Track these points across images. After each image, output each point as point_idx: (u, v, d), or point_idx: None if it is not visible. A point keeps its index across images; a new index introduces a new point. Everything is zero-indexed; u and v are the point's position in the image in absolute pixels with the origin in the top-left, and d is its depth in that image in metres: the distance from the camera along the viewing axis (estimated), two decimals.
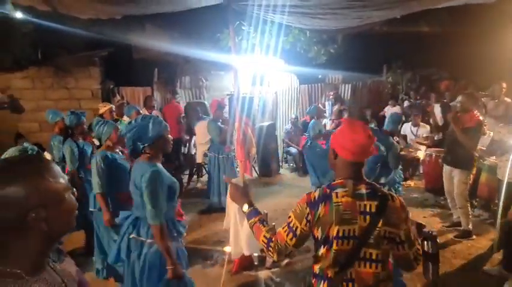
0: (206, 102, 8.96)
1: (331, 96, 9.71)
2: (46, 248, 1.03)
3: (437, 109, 8.10)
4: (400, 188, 4.67)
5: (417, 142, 7.14)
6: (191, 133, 7.64)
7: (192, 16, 5.87)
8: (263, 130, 8.08)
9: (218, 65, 8.75)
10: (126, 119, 6.05)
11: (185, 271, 2.66)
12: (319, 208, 1.67)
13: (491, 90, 6.55)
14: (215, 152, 5.93)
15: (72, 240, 4.39)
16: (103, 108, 5.92)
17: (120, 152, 3.73)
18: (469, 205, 4.72)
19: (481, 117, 4.58)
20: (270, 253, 1.78)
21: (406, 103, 10.33)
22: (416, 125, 7.42)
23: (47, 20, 6.30)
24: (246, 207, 1.94)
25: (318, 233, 1.69)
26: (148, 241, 2.55)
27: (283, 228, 1.77)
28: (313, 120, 6.86)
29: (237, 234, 3.85)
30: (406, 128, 7.66)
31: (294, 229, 1.72)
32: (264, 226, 1.82)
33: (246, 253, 3.87)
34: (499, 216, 4.12)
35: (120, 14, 4.03)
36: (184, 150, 8.02)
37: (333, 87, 10.55)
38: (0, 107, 7.42)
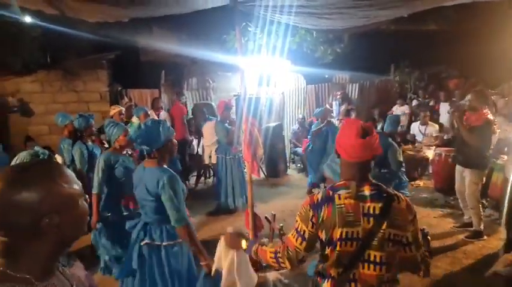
0: (213, 104, 8.98)
1: (338, 96, 9.66)
2: (57, 254, 1.03)
3: (446, 108, 8.02)
4: (406, 189, 4.62)
5: (426, 145, 7.07)
6: (199, 134, 7.66)
7: (199, 18, 5.89)
8: (270, 131, 8.07)
9: (225, 66, 8.77)
10: (134, 120, 6.10)
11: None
12: (322, 210, 1.66)
13: (500, 88, 6.48)
14: (222, 153, 5.94)
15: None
16: (113, 110, 5.98)
17: (128, 155, 3.76)
18: (480, 205, 4.65)
19: (490, 116, 4.49)
20: (282, 264, 1.77)
21: (414, 102, 10.25)
22: (424, 124, 7.36)
23: (55, 23, 6.37)
24: (244, 243, 2.00)
25: (322, 235, 1.68)
26: (164, 244, 2.56)
27: (291, 234, 1.77)
28: (316, 122, 6.83)
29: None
30: (415, 127, 7.61)
31: (302, 232, 1.72)
32: (266, 246, 1.86)
33: None
34: (504, 216, 4.06)
35: (128, 17, 4.05)
36: (188, 151, 8.03)
37: (340, 87, 10.49)
38: (11, 111, 7.52)
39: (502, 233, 4.63)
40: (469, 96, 4.61)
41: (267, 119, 8.54)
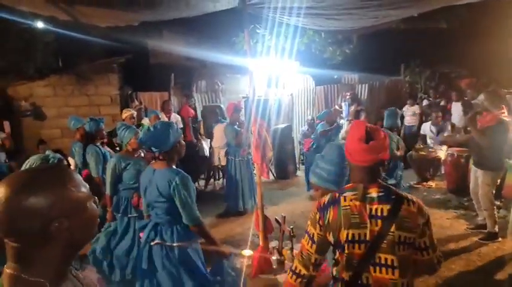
0: (222, 106, 9.01)
1: (347, 97, 9.61)
2: (69, 257, 1.04)
3: (457, 107, 7.92)
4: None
5: (441, 143, 6.99)
6: (209, 137, 7.69)
7: (208, 21, 5.92)
8: (279, 132, 8.06)
9: (234, 69, 8.80)
10: (145, 121, 6.15)
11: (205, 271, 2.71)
12: (328, 212, 1.67)
13: None
14: (232, 155, 5.95)
15: None
16: (124, 114, 6.07)
17: (141, 157, 3.80)
18: (495, 207, 4.57)
19: (504, 116, 4.40)
20: (301, 271, 1.77)
21: (425, 102, 10.15)
22: (436, 124, 7.27)
23: (67, 29, 6.48)
24: None
25: (330, 237, 1.68)
26: (175, 244, 2.59)
27: (304, 238, 1.78)
28: (321, 123, 6.80)
29: None
30: (426, 128, 7.52)
31: (312, 235, 1.73)
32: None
33: None
34: (511, 218, 3.99)
35: (138, 21, 4.11)
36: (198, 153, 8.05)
37: (349, 87, 10.44)
38: (24, 115, 7.65)
39: None
40: (481, 96, 4.53)
41: (275, 120, 8.53)
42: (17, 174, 1.02)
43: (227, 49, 8.84)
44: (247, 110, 5.48)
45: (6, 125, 6.97)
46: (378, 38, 10.19)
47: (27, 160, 2.64)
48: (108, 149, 4.81)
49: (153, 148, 2.59)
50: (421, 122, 8.59)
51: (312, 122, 8.63)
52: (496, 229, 4.55)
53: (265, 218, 4.14)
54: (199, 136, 8.03)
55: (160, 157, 2.60)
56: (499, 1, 4.20)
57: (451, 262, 4.02)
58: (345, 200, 1.65)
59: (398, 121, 5.06)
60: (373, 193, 1.65)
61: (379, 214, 1.61)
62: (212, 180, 7.78)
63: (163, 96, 8.49)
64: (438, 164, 7.09)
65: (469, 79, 10.31)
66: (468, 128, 4.81)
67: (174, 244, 2.58)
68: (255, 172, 5.47)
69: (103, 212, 3.74)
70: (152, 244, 2.64)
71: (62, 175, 1.01)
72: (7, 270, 0.96)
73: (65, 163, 3.08)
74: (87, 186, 1.06)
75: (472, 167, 4.77)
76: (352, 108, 9.09)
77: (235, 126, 5.90)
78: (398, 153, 4.90)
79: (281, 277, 3.97)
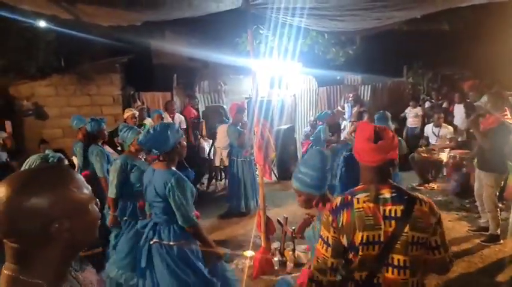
0: (225, 107, 9.00)
1: (350, 98, 9.57)
2: (69, 258, 1.03)
3: (460, 109, 7.89)
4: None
5: (441, 148, 6.96)
6: (212, 137, 7.67)
7: (211, 21, 5.91)
8: (282, 133, 8.04)
9: (237, 69, 8.79)
10: (147, 121, 6.15)
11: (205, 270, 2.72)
12: (341, 214, 1.65)
13: None
14: (234, 156, 5.94)
15: None
16: (126, 114, 6.07)
17: (144, 159, 3.78)
18: (498, 209, 4.55)
19: (505, 118, 4.37)
20: (319, 278, 1.73)
21: (427, 104, 10.11)
22: (438, 125, 7.24)
23: (69, 28, 6.48)
24: None
25: (344, 240, 1.66)
26: (171, 243, 2.61)
27: (319, 243, 1.75)
28: (322, 126, 6.74)
29: None
30: (428, 129, 7.49)
31: (326, 239, 1.71)
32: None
33: None
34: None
35: (140, 21, 4.09)
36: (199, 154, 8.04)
37: (352, 88, 10.41)
38: (26, 114, 7.65)
39: None
40: (484, 98, 4.51)
41: (278, 121, 8.51)
42: (17, 174, 1.00)
43: (230, 50, 8.83)
44: (250, 111, 5.46)
45: (8, 124, 6.98)
46: (381, 40, 10.15)
47: (27, 160, 2.64)
48: (109, 149, 4.81)
49: (154, 150, 2.62)
50: (423, 124, 8.56)
51: (314, 123, 8.60)
52: (498, 231, 4.53)
53: (268, 219, 4.12)
54: (199, 137, 8.01)
55: (161, 158, 2.63)
56: (502, 3, 4.17)
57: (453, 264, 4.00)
58: (358, 202, 1.64)
59: (390, 123, 5.06)
60: (386, 193, 1.64)
61: (392, 214, 1.61)
62: (214, 181, 7.77)
63: (166, 97, 8.49)
64: (440, 166, 7.07)
65: (471, 81, 10.26)
66: (471, 130, 4.78)
67: (171, 243, 2.62)
68: (257, 172, 5.46)
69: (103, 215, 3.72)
70: (151, 242, 2.67)
71: (64, 176, 1.00)
72: (5, 271, 0.95)
73: (66, 162, 3.06)
74: (89, 187, 1.05)
75: (477, 170, 4.75)
76: (355, 109, 9.05)
77: (238, 127, 5.89)
78: None
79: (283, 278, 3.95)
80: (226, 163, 6.38)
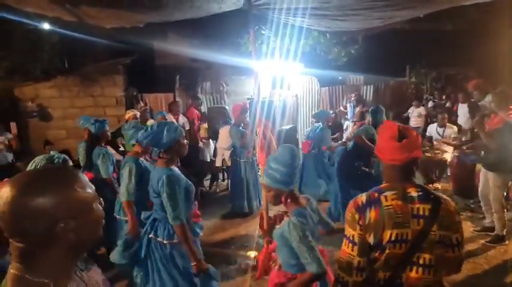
0: (227, 107, 9.00)
1: (352, 98, 9.56)
2: (74, 258, 1.04)
3: (464, 109, 7.85)
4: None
5: (444, 142, 6.93)
6: (214, 138, 7.66)
7: (213, 22, 5.93)
8: (284, 133, 8.03)
9: (239, 70, 8.80)
10: (150, 122, 6.15)
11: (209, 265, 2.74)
12: (369, 212, 1.63)
13: None
14: (237, 157, 5.94)
15: None
16: (127, 114, 6.09)
17: (146, 160, 3.78)
18: (505, 209, 4.51)
19: (510, 118, 4.35)
20: (344, 278, 1.67)
21: (430, 103, 10.08)
22: (442, 125, 7.21)
23: (72, 30, 6.52)
24: None
25: (370, 238, 1.63)
26: (165, 241, 2.66)
27: (344, 243, 1.71)
28: (323, 127, 6.70)
29: None
30: (432, 129, 7.46)
31: (352, 238, 1.66)
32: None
33: None
34: None
35: (143, 22, 4.11)
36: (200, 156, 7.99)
37: (354, 88, 10.40)
38: (30, 116, 7.71)
39: None
40: (488, 98, 4.49)
41: (280, 121, 8.49)
42: (23, 174, 1.01)
43: (232, 50, 8.84)
44: (252, 112, 5.46)
45: (13, 126, 7.03)
46: (384, 39, 10.15)
47: (33, 160, 2.67)
48: (111, 149, 4.82)
49: (154, 148, 2.70)
50: (426, 124, 8.53)
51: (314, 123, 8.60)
52: (504, 232, 4.50)
53: (270, 219, 4.12)
54: (199, 139, 7.96)
55: (160, 155, 2.67)
56: (505, 1, 4.16)
57: None
58: (386, 199, 1.63)
59: (384, 116, 5.15)
60: (413, 192, 1.64)
61: (421, 213, 1.61)
62: (216, 181, 7.76)
63: (169, 98, 8.51)
64: (444, 165, 7.03)
65: (475, 81, 10.19)
66: (475, 130, 4.75)
67: (165, 241, 2.66)
68: (260, 173, 5.46)
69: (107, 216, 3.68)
70: (149, 236, 2.74)
71: (68, 176, 1.01)
72: (11, 270, 0.96)
73: (71, 163, 3.07)
74: (93, 187, 1.06)
75: (483, 170, 4.72)
76: (357, 109, 9.03)
77: (240, 128, 5.90)
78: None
79: None
80: (229, 163, 6.38)
